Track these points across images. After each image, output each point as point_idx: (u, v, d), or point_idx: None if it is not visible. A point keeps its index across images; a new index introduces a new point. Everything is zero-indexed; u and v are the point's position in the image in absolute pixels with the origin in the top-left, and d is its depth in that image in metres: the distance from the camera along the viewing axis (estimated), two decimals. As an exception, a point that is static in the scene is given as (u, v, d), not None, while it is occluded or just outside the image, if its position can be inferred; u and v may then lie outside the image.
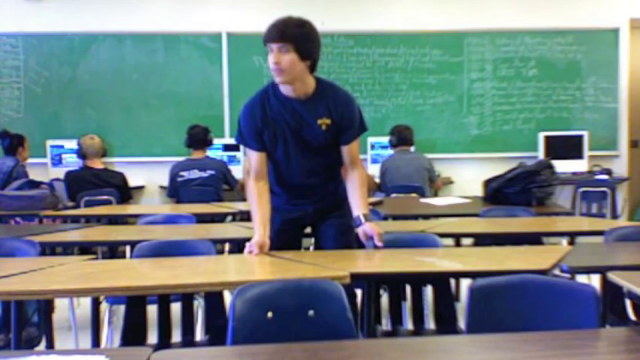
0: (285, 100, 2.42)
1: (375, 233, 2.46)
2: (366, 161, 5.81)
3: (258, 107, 2.44)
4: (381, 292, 2.83)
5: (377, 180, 5.32)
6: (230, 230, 3.33)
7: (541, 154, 5.94)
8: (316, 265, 2.15)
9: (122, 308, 2.50)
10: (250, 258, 2.34)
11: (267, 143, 2.47)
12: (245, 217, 3.81)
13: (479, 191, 4.57)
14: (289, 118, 2.42)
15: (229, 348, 1.64)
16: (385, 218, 3.55)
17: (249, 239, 3.02)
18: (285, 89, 2.41)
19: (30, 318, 2.58)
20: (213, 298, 2.51)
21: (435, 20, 6.12)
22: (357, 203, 2.52)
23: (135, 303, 2.42)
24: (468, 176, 5.99)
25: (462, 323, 1.94)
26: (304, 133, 2.44)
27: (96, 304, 2.46)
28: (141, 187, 5.99)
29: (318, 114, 2.42)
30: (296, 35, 2.29)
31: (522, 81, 6.16)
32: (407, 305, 2.72)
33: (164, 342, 2.44)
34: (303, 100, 2.41)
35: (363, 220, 2.48)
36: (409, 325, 2.68)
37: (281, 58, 2.29)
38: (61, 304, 3.50)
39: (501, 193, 4.20)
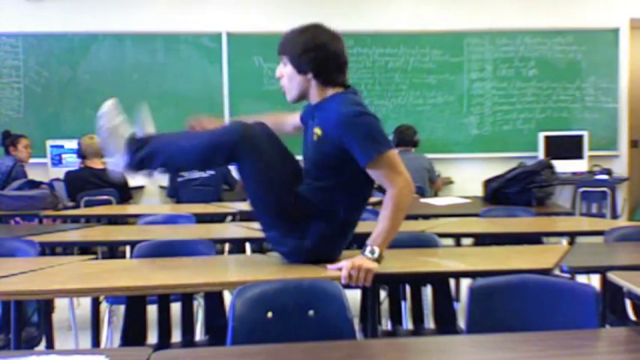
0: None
1: (344, 267, 1.95)
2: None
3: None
4: (381, 292, 2.83)
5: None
6: (230, 230, 3.32)
7: (541, 154, 5.94)
8: (316, 265, 2.14)
9: (122, 308, 2.50)
10: (249, 257, 2.33)
11: None
12: (245, 217, 3.81)
13: (479, 191, 4.57)
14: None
15: (229, 348, 1.64)
16: (385, 218, 3.54)
17: (249, 239, 3.02)
18: None
19: (30, 318, 2.58)
20: (213, 298, 2.51)
21: (435, 20, 6.12)
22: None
23: (135, 303, 2.42)
24: (468, 176, 5.99)
25: (462, 323, 1.94)
26: (305, 138, 2.25)
27: (96, 304, 2.46)
28: (141, 187, 5.99)
29: (315, 122, 2.13)
30: (287, 45, 2.04)
31: (522, 81, 6.16)
32: (407, 305, 2.72)
33: (164, 342, 2.44)
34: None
35: (364, 250, 2.00)
36: (409, 325, 2.68)
37: (281, 72, 2.10)
38: (61, 304, 3.49)
39: (501, 193, 4.20)
